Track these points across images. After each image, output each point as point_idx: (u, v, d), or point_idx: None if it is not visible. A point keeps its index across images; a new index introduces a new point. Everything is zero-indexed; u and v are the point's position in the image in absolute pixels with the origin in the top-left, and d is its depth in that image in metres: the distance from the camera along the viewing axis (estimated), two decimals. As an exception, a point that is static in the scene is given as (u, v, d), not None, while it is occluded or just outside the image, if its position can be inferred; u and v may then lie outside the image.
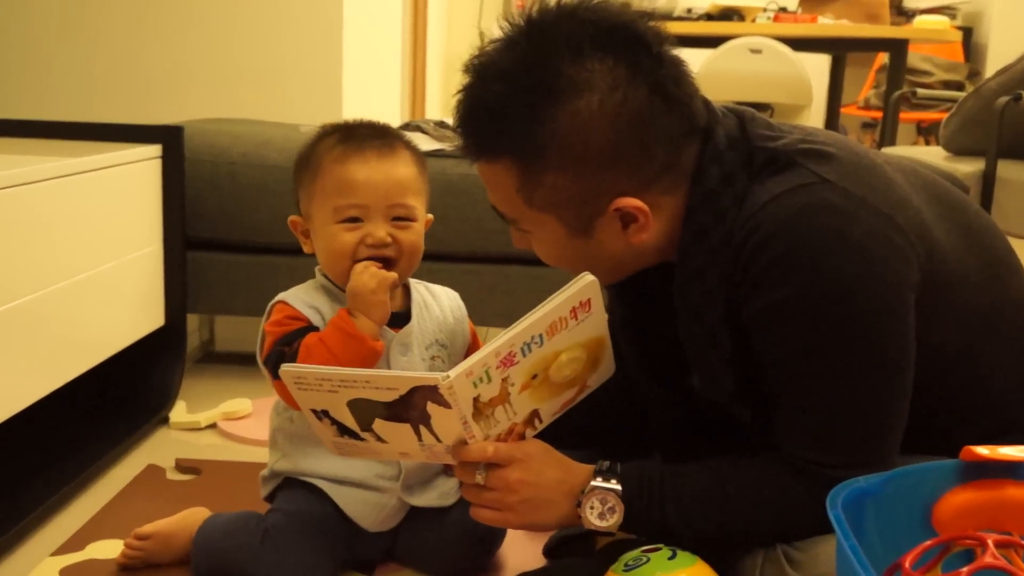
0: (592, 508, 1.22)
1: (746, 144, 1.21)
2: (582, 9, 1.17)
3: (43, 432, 1.82)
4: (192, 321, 2.48)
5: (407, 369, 1.41)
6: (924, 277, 1.16)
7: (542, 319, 1.14)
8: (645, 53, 1.16)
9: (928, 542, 0.98)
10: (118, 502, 1.69)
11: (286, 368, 1.18)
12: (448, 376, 1.11)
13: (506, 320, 2.33)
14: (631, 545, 1.27)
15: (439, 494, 1.47)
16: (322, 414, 1.21)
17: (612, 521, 1.21)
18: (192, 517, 1.48)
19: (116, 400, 2.04)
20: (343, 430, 1.21)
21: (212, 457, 1.89)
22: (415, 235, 1.41)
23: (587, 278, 1.17)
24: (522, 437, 1.24)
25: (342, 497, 1.42)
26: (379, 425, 1.19)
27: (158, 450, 1.94)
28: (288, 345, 1.34)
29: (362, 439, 1.21)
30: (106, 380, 1.97)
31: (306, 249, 1.45)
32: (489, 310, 2.32)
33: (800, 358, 1.16)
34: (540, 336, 1.15)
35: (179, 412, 2.10)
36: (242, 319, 2.46)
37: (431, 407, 1.14)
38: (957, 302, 1.21)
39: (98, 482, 1.78)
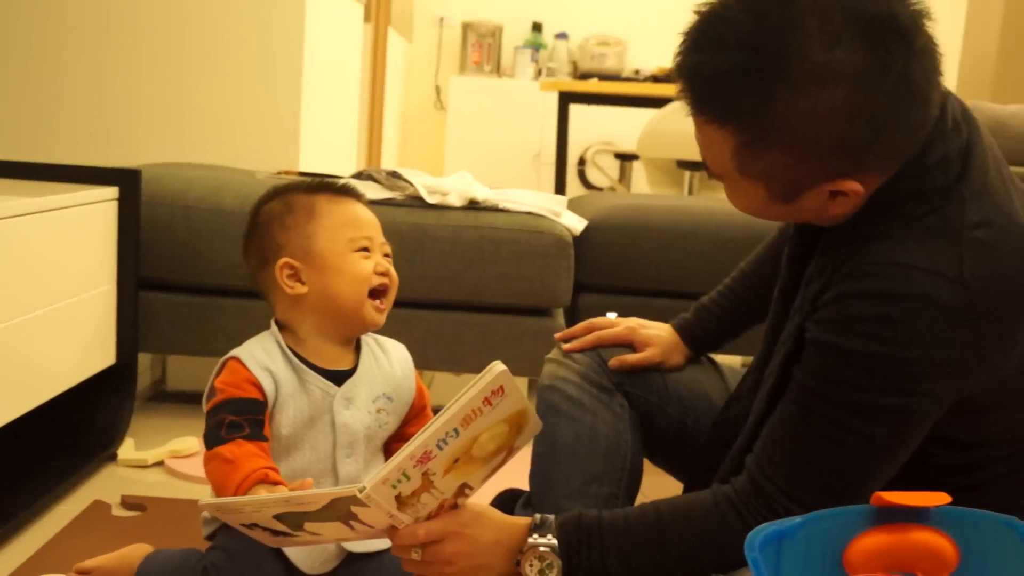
0: (531, 566, 1.21)
1: (956, 173, 1.12)
2: None
3: (-9, 466, 1.80)
4: (144, 360, 2.46)
5: (348, 424, 1.40)
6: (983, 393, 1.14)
7: (454, 416, 1.11)
8: (902, 48, 1.04)
9: (839, 583, 1.00)
10: (63, 537, 1.67)
11: (205, 503, 1.20)
12: (364, 488, 1.10)
13: (451, 364, 2.37)
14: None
15: (376, 540, 1.47)
16: (252, 526, 1.22)
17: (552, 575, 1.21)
18: (134, 553, 1.47)
19: (65, 436, 2.02)
20: (276, 533, 1.22)
21: (158, 494, 1.88)
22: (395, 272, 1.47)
23: (497, 368, 1.11)
24: (456, 505, 1.22)
25: (282, 538, 1.41)
26: (310, 525, 1.20)
27: (105, 486, 1.92)
28: (236, 415, 1.32)
29: (296, 536, 1.22)
30: (56, 416, 1.95)
31: (297, 292, 1.40)
32: (434, 355, 2.34)
33: (824, 401, 1.14)
34: (455, 430, 1.12)
35: (127, 449, 2.08)
36: (193, 359, 2.45)
37: (355, 508, 1.14)
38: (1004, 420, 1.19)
39: (44, 516, 1.76)
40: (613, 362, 1.48)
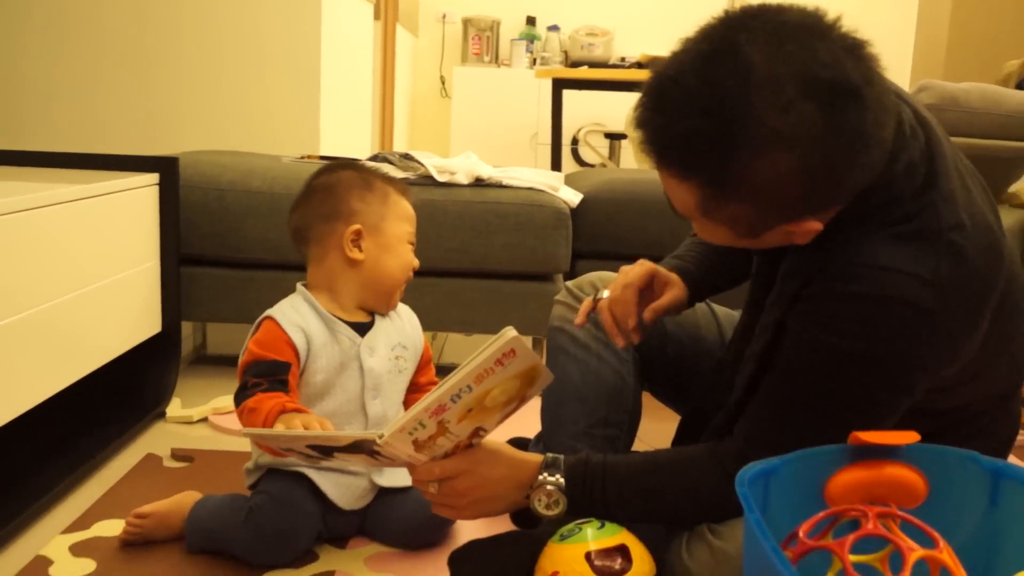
0: (540, 501, 1.22)
1: (922, 177, 1.09)
2: (790, 43, 0.97)
3: (54, 425, 1.80)
4: (186, 328, 2.45)
5: (374, 368, 1.45)
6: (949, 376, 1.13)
7: (468, 374, 1.11)
8: (854, 105, 0.98)
9: (820, 514, 0.99)
10: (120, 486, 1.68)
11: (247, 431, 1.23)
12: (383, 435, 1.12)
13: (462, 326, 2.36)
14: (572, 518, 1.28)
15: (404, 475, 1.48)
16: (288, 449, 1.25)
17: (557, 510, 1.22)
18: (186, 499, 1.48)
19: (119, 397, 2.02)
20: (310, 455, 1.24)
21: (204, 447, 1.88)
22: None
23: (509, 334, 1.10)
24: (470, 445, 1.23)
25: (320, 479, 1.42)
26: (339, 455, 1.22)
27: (156, 441, 1.93)
28: (257, 377, 1.35)
29: (329, 459, 1.25)
30: (110, 380, 1.95)
31: (353, 256, 1.44)
32: (447, 318, 2.34)
33: (801, 384, 1.12)
34: (469, 386, 1.12)
35: (175, 408, 2.08)
36: (231, 326, 2.45)
37: (376, 448, 1.15)
38: (966, 394, 1.19)
39: (103, 469, 1.76)
40: (647, 313, 1.38)
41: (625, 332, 1.38)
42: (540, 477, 1.22)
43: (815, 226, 1.07)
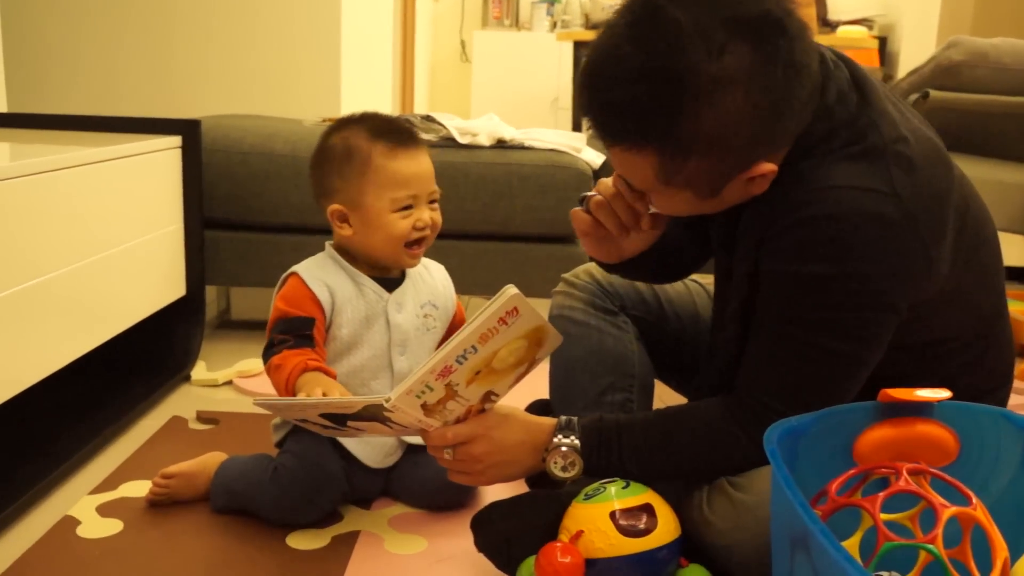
0: (555, 463, 1.21)
1: (855, 103, 1.11)
2: None
3: (81, 388, 1.81)
4: (211, 292, 2.45)
5: (400, 324, 1.44)
6: (929, 297, 1.12)
7: (471, 334, 1.09)
8: (782, 37, 1.01)
9: (850, 471, 0.98)
10: (147, 448, 1.68)
11: (258, 403, 1.22)
12: (390, 398, 1.11)
13: (484, 289, 2.35)
14: (588, 479, 1.27)
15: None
16: (303, 420, 1.24)
17: (574, 472, 1.21)
18: (211, 460, 1.48)
19: (144, 360, 2.03)
20: (325, 427, 1.24)
21: (229, 410, 1.88)
22: (439, 214, 1.46)
23: (510, 291, 1.09)
24: (483, 411, 1.22)
25: (347, 438, 1.42)
26: (352, 423, 1.21)
27: (182, 403, 1.93)
28: (283, 333, 1.36)
29: (343, 429, 1.24)
30: (135, 343, 1.95)
31: (343, 233, 1.42)
32: (469, 281, 2.32)
33: (792, 323, 1.11)
34: (473, 347, 1.11)
35: (200, 371, 2.08)
36: (254, 290, 2.45)
37: (386, 413, 1.14)
38: (932, 317, 1.17)
39: (129, 431, 1.77)
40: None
41: (634, 221, 1.27)
42: (555, 439, 1.22)
43: (770, 168, 1.08)
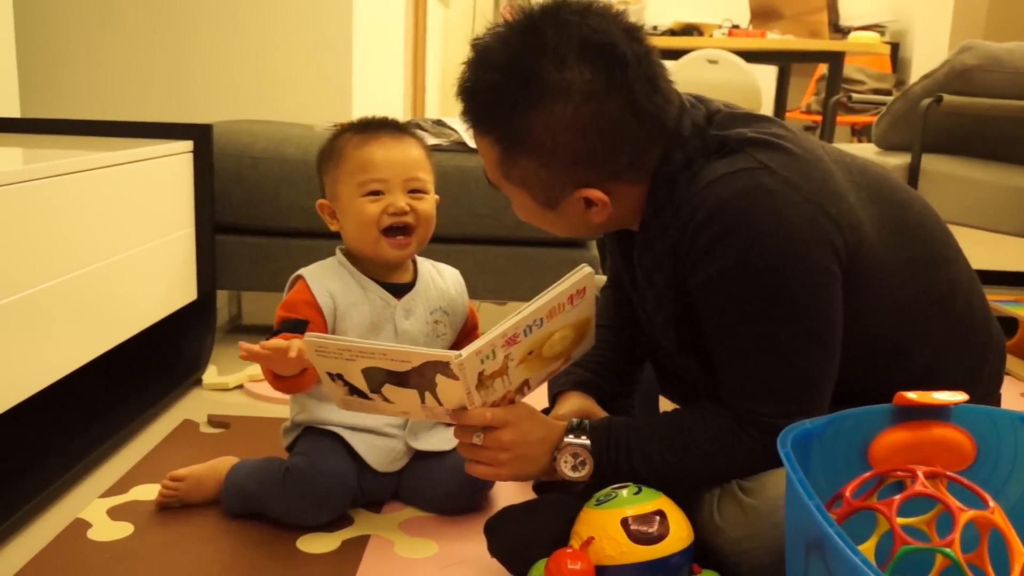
0: (566, 462, 1.22)
1: (706, 131, 1.18)
2: (576, 19, 1.12)
3: (92, 391, 1.81)
4: (222, 297, 2.46)
5: (408, 331, 1.42)
6: (851, 266, 1.13)
7: (545, 305, 1.13)
8: (622, 71, 1.10)
9: (866, 474, 0.97)
10: (158, 452, 1.68)
11: (309, 337, 1.15)
12: (460, 355, 1.09)
13: (494, 293, 2.34)
14: (606, 483, 1.26)
15: (440, 439, 1.47)
16: (336, 376, 1.19)
17: (584, 472, 1.21)
18: (222, 463, 1.47)
19: (156, 364, 2.03)
20: (353, 390, 1.19)
21: (240, 413, 1.88)
22: (429, 205, 1.42)
23: (584, 270, 1.16)
24: (511, 402, 1.22)
25: (356, 441, 1.41)
26: (387, 389, 1.17)
27: (193, 407, 1.93)
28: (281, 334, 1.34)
29: (370, 399, 1.19)
30: (147, 347, 1.95)
31: (333, 227, 1.45)
32: (480, 285, 2.31)
33: (736, 323, 1.14)
34: (541, 320, 1.14)
35: (211, 375, 2.08)
36: (265, 295, 2.45)
37: (439, 378, 1.12)
38: (882, 294, 1.18)
39: (140, 435, 1.77)
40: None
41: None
42: (566, 439, 1.22)
43: (598, 196, 1.15)
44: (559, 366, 1.23)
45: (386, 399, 1.19)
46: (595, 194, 1.16)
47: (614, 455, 1.21)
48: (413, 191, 1.40)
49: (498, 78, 1.13)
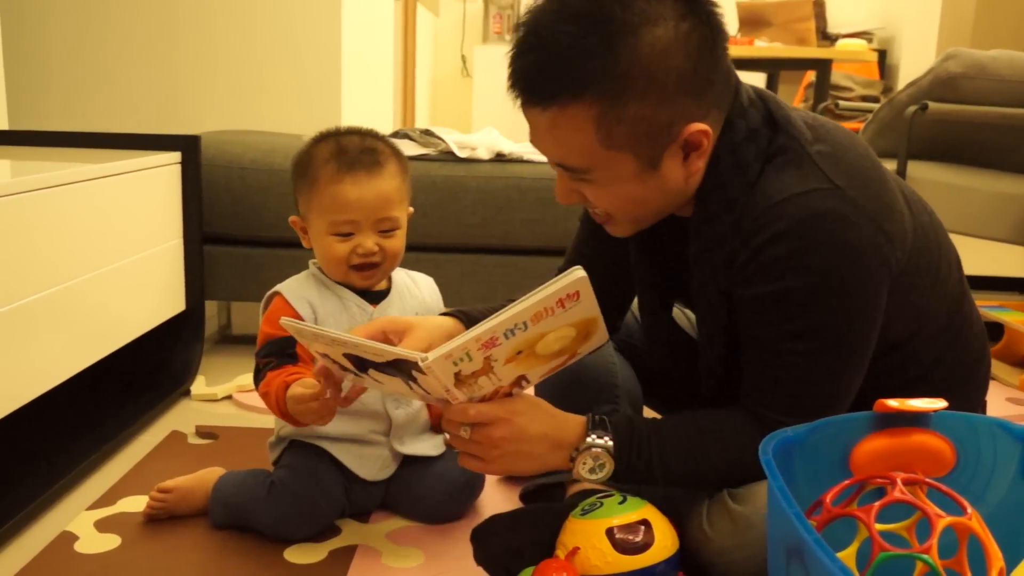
0: (584, 464, 1.17)
1: (765, 109, 1.16)
2: None
3: (80, 403, 1.81)
4: (211, 308, 2.46)
5: None
6: (896, 276, 1.13)
7: (527, 309, 1.04)
8: (696, 3, 1.08)
9: (846, 482, 0.98)
10: (146, 463, 1.68)
11: (286, 321, 1.16)
12: (427, 358, 1.04)
13: (481, 302, 2.33)
14: (592, 492, 1.26)
15: (427, 445, 1.48)
16: (324, 355, 1.19)
17: (602, 475, 1.17)
18: (209, 475, 1.48)
19: (144, 375, 2.03)
20: (344, 368, 1.18)
21: (228, 424, 1.88)
22: (398, 241, 1.42)
23: (577, 273, 1.04)
24: (510, 394, 1.16)
25: (341, 452, 1.42)
26: (374, 373, 1.15)
27: (181, 418, 1.93)
28: (267, 356, 1.37)
29: (362, 376, 1.18)
30: (135, 358, 1.95)
31: (305, 244, 1.45)
32: (467, 293, 2.32)
33: (783, 339, 1.12)
34: (524, 323, 1.05)
35: (199, 385, 2.08)
36: (254, 305, 2.44)
37: (415, 373, 1.09)
38: (909, 301, 1.18)
39: (128, 446, 1.77)
40: None
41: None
42: (588, 439, 1.17)
43: (701, 128, 1.09)
44: (563, 362, 1.16)
45: (376, 380, 1.17)
46: (700, 127, 1.09)
47: (636, 455, 1.17)
48: (384, 231, 1.40)
49: (581, 29, 1.04)
